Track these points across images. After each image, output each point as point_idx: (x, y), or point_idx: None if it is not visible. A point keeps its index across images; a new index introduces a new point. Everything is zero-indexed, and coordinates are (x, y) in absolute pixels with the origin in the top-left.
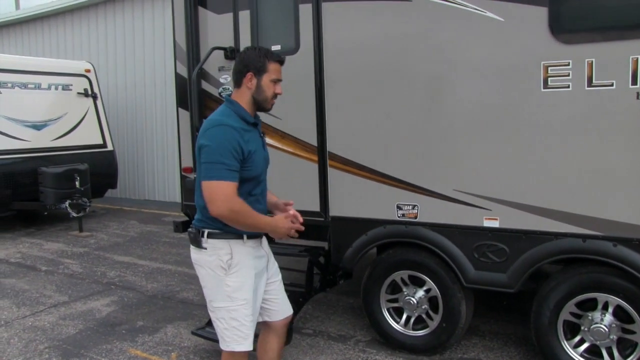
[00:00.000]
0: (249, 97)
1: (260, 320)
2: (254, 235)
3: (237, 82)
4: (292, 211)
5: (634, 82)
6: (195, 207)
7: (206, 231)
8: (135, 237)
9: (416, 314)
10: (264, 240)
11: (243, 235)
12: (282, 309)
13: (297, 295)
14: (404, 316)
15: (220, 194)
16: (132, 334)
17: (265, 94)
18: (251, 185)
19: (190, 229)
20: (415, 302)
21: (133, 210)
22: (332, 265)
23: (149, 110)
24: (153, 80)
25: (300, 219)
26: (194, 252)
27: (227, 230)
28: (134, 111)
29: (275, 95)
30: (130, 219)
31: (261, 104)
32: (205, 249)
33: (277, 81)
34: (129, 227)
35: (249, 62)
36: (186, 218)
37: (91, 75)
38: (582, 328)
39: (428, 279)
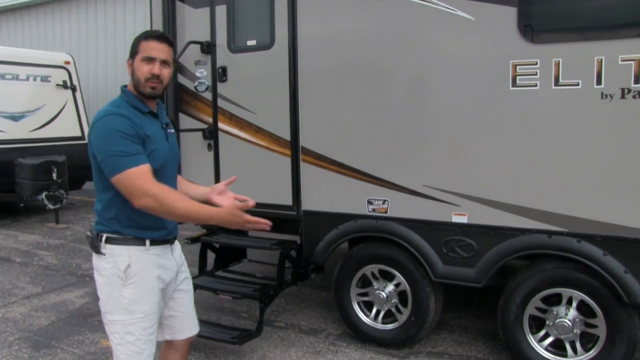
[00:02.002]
0: (133, 84)
1: (161, 338)
2: (160, 242)
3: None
4: (241, 203)
5: (599, 82)
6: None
7: (104, 236)
8: None
9: (386, 308)
10: (176, 247)
11: (145, 241)
12: (186, 326)
13: (268, 288)
14: (374, 310)
15: (131, 184)
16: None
17: (137, 75)
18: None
19: (88, 233)
20: (385, 296)
21: None
22: (304, 259)
23: None
24: None
25: (251, 203)
26: (94, 257)
27: (126, 234)
28: None
29: (152, 76)
30: None
31: (138, 88)
32: (104, 255)
33: (150, 59)
34: None
35: (130, 49)
36: None
37: (70, 67)
38: (547, 322)
39: (398, 273)
